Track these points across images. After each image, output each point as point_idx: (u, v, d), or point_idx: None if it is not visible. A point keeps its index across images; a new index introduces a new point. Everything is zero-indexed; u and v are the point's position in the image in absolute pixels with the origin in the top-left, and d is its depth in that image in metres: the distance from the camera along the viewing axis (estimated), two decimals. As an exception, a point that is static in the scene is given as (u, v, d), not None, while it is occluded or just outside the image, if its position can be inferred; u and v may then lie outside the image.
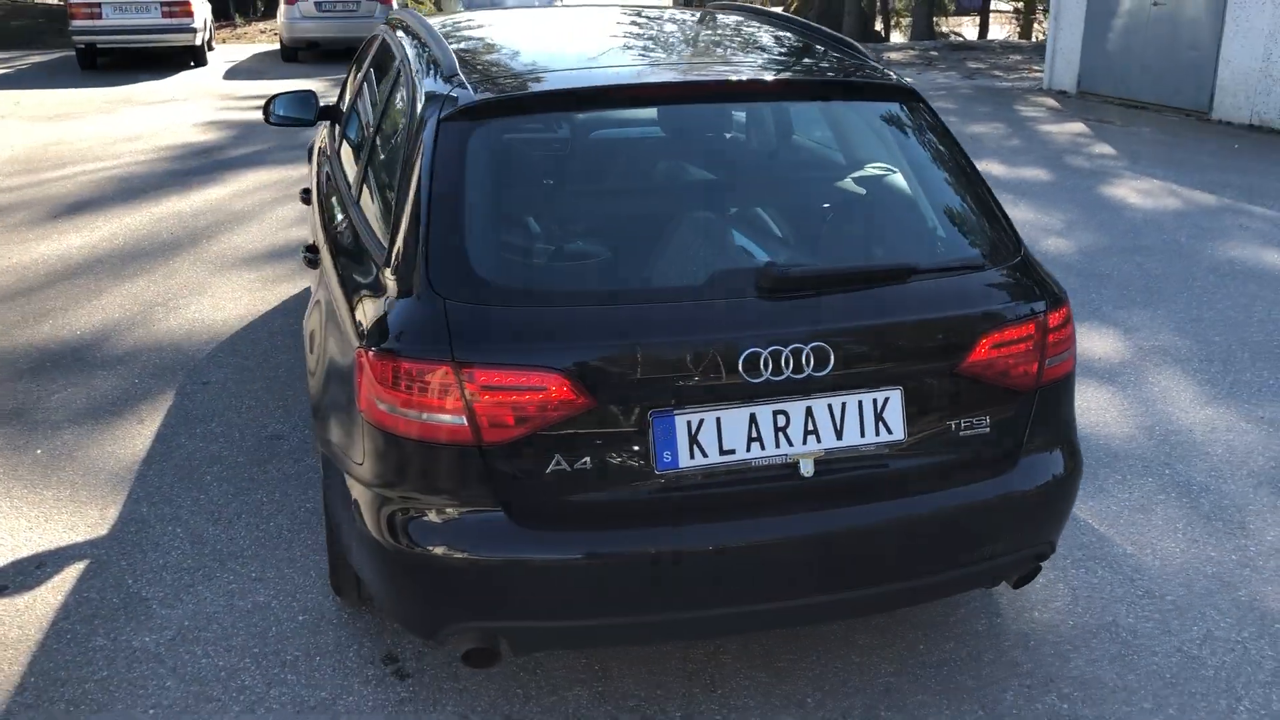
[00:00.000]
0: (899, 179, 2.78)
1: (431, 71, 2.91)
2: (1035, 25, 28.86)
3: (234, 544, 3.51)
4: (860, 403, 2.43)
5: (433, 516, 2.39)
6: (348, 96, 4.55)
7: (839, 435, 2.42)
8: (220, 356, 5.08)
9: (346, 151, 3.92)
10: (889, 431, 2.45)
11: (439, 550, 2.38)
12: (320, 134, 5.19)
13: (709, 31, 3.43)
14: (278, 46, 19.11)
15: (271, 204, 8.07)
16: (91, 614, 3.16)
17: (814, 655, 2.96)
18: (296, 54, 17.95)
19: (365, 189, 3.15)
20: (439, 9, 18.35)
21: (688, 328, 2.35)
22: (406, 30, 3.57)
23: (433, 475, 2.37)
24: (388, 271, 2.55)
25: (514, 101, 2.67)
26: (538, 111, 2.68)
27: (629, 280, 2.46)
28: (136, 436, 4.27)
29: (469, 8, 18.38)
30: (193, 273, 6.37)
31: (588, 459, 2.34)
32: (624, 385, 2.32)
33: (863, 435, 2.44)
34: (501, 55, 3.17)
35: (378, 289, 2.57)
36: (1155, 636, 3.05)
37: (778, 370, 2.35)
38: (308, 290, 5.66)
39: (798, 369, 2.36)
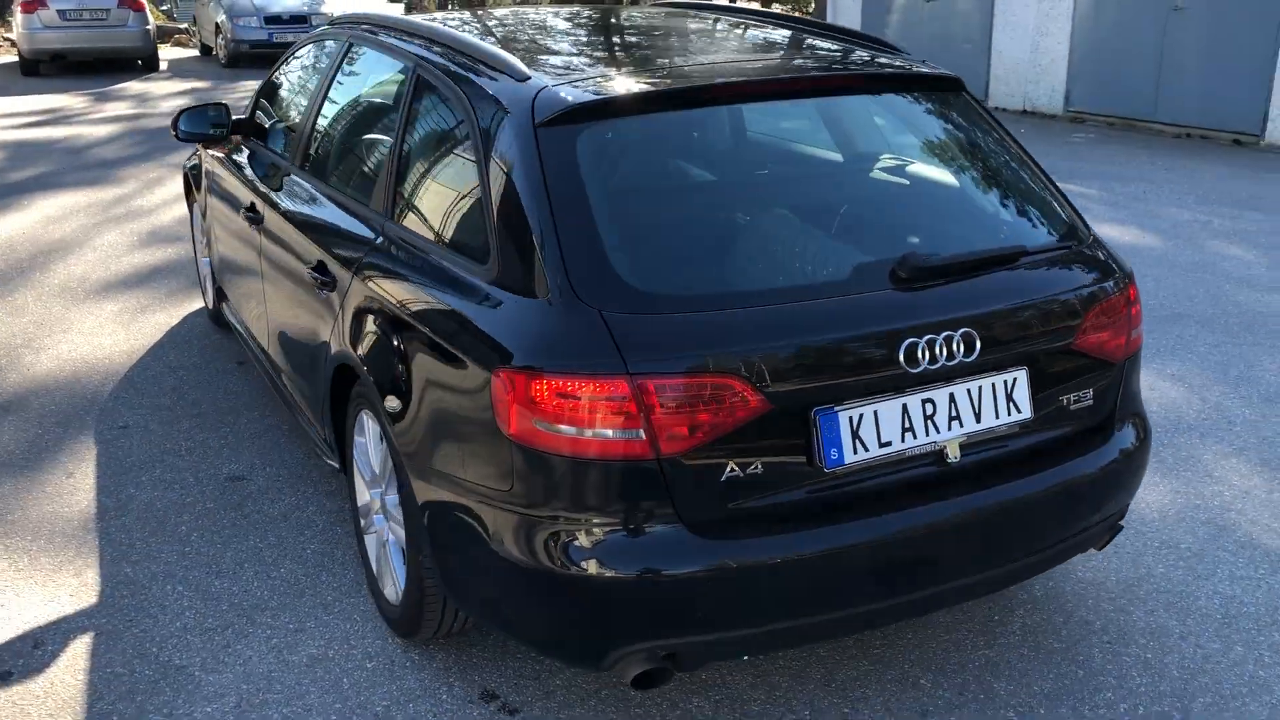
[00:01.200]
0: (971, 167, 2.86)
1: (489, 74, 2.76)
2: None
3: (250, 596, 3.22)
4: (994, 385, 2.49)
5: (604, 535, 2.28)
6: (284, 109, 4.25)
7: (978, 419, 2.48)
8: (126, 397, 4.65)
9: (308, 167, 3.66)
10: (1019, 411, 2.53)
11: (612, 570, 2.27)
12: (206, 154, 4.82)
13: (714, 30, 3.41)
14: (15, 59, 17.59)
15: (93, 230, 7.45)
16: (129, 690, 2.83)
17: (906, 638, 3.01)
18: (39, 67, 16.55)
19: (408, 204, 2.95)
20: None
21: (846, 322, 2.35)
22: (399, 33, 3.36)
23: (605, 493, 2.26)
24: (502, 287, 2.41)
25: (617, 102, 2.58)
26: (639, 112, 2.59)
27: (776, 279, 2.42)
28: (74, 491, 3.84)
29: (230, 14, 17.51)
30: (43, 308, 5.79)
31: (758, 463, 2.29)
32: (792, 385, 2.29)
33: (997, 417, 2.50)
34: (549, 56, 3.04)
35: (491, 306, 2.42)
36: (1190, 582, 3.28)
37: (933, 359, 2.38)
38: (194, 318, 5.25)
39: (949, 356, 2.40)
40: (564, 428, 2.24)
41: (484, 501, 2.41)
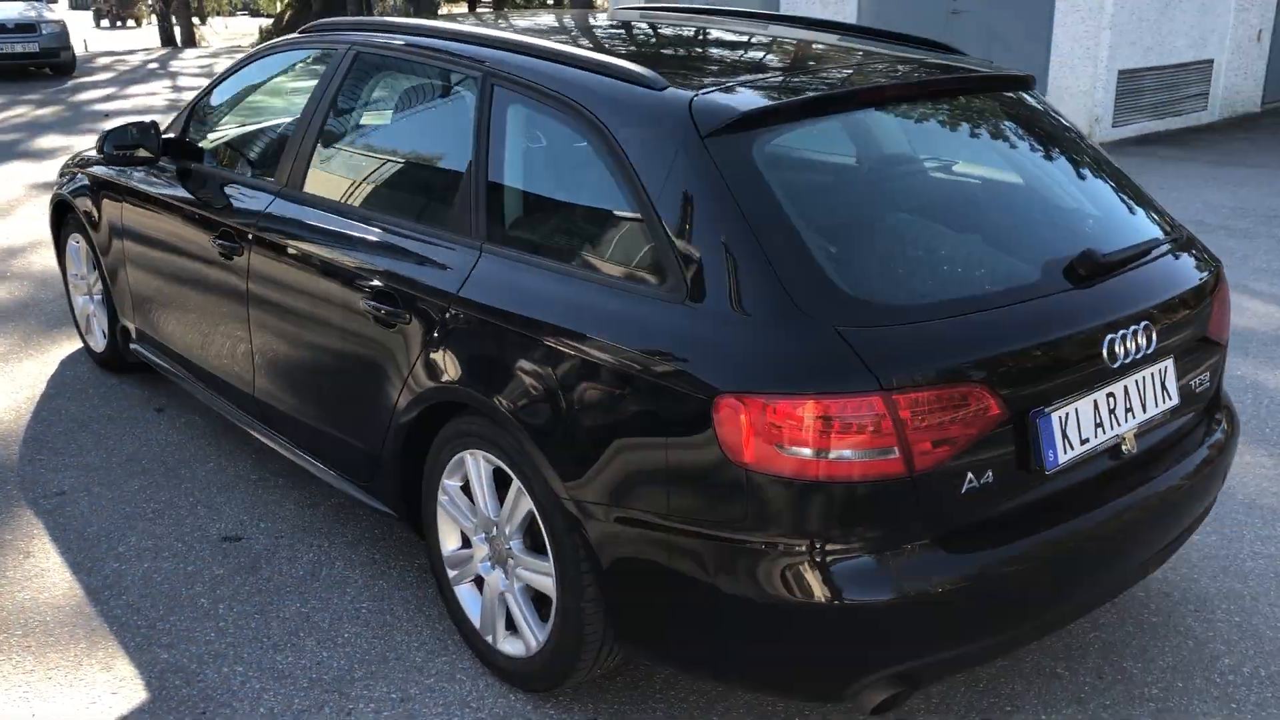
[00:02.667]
0: (1071, 164, 2.93)
1: (610, 83, 2.59)
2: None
3: (327, 667, 2.90)
4: (1155, 374, 2.57)
5: (853, 560, 2.19)
6: (249, 129, 3.84)
7: (1144, 408, 2.55)
8: (44, 460, 4.08)
9: (322, 186, 3.33)
10: (1170, 398, 2.62)
11: (864, 595, 2.18)
12: (112, 180, 4.31)
13: (791, 35, 3.32)
14: None
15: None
16: (250, 793, 2.48)
17: (1022, 629, 3.06)
18: None
19: (513, 226, 2.72)
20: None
21: (1062, 321, 2.35)
22: (443, 39, 3.09)
23: (855, 515, 2.16)
24: (700, 308, 2.27)
25: (780, 109, 2.47)
26: (798, 118, 2.49)
27: (980, 284, 2.38)
28: (43, 573, 3.34)
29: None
30: (-120, 364, 5.00)
31: (989, 471, 2.26)
32: (1019, 389, 2.27)
33: (1156, 405, 2.58)
34: (656, 62, 2.86)
35: (691, 329, 2.27)
36: (1226, 546, 3.50)
37: (1126, 353, 2.43)
38: (73, 364, 4.61)
39: (1138, 349, 2.46)
40: (809, 451, 2.13)
41: (701, 538, 2.26)
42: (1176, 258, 2.74)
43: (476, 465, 2.75)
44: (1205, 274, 2.76)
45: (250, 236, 3.44)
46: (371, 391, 3.02)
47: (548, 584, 2.61)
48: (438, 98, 3.18)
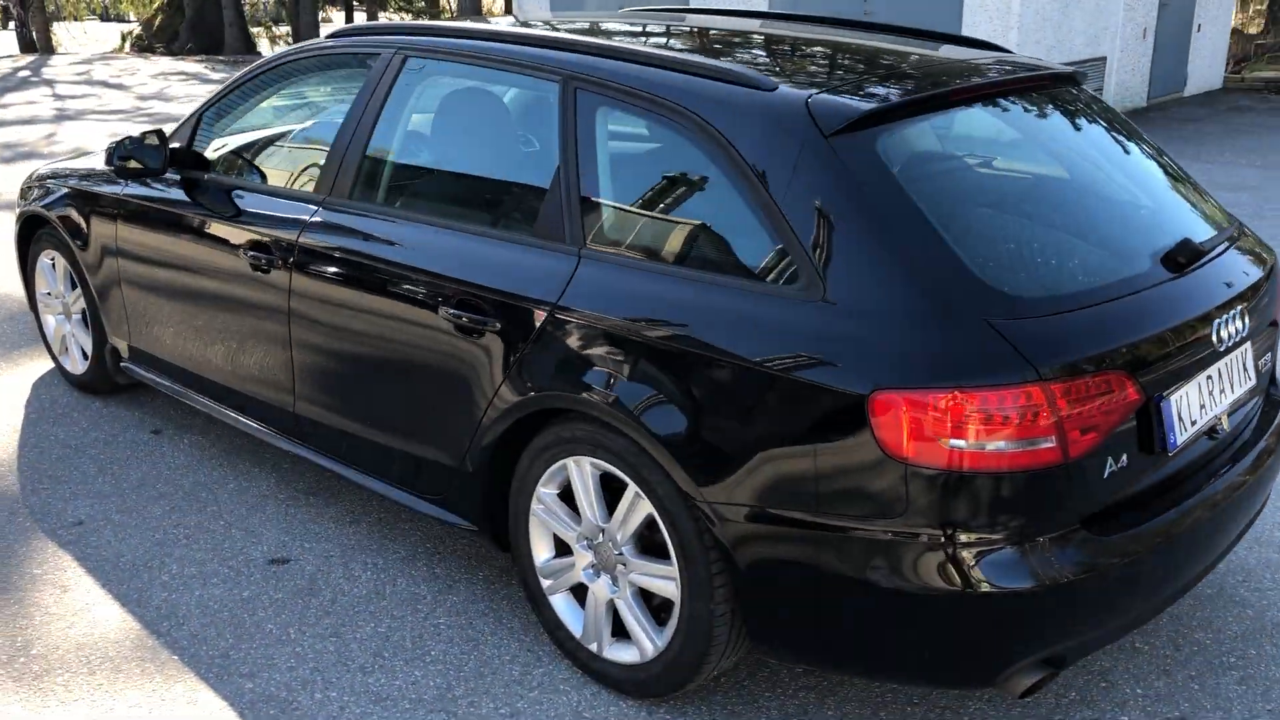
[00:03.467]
0: (1133, 156, 3.03)
1: (713, 86, 2.60)
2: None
3: (424, 687, 2.83)
4: (1239, 355, 2.69)
5: (1010, 548, 2.24)
6: (275, 138, 3.70)
7: (1233, 389, 2.67)
8: (48, 489, 3.89)
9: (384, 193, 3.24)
10: (1249, 378, 2.75)
11: (1021, 582, 2.23)
12: (104, 192, 4.13)
13: (852, 37, 3.35)
14: None
15: None
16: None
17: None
18: None
19: (614, 231, 2.70)
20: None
21: (1173, 309, 2.45)
22: (509, 45, 3.04)
23: (1013, 504, 2.21)
24: (841, 307, 2.29)
25: (897, 107, 2.51)
26: (912, 115, 2.53)
27: (1102, 273, 2.46)
28: (87, 607, 3.18)
29: None
30: None
31: (1125, 455, 2.34)
32: (1151, 375, 2.36)
33: (1242, 385, 2.70)
34: (753, 63, 2.86)
35: (837, 327, 2.29)
36: (1270, 513, 3.67)
37: (1229, 336, 2.55)
38: (45, 386, 4.32)
39: (1238, 331, 2.58)
40: (971, 443, 2.17)
41: (854, 533, 2.28)
42: (1245, 246, 2.87)
43: (581, 472, 2.72)
44: (1270, 260, 2.90)
45: (292, 248, 3.33)
46: (450, 402, 2.96)
47: (668, 588, 2.60)
48: (508, 103, 3.14)
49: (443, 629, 3.07)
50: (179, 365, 3.99)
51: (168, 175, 3.88)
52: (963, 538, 2.22)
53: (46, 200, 4.47)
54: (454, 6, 33.41)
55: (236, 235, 3.53)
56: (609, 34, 3.19)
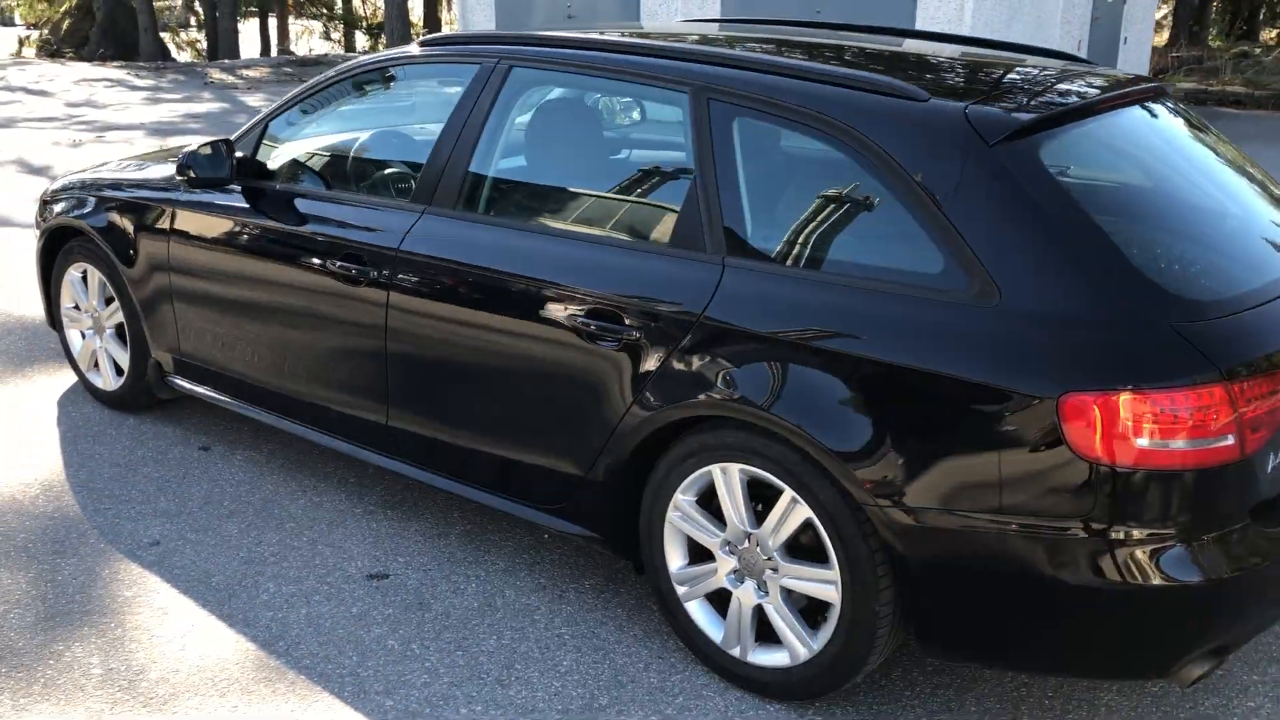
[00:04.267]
0: (1231, 161, 3.13)
1: (862, 96, 2.66)
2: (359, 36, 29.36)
3: (570, 697, 2.83)
4: None
5: (1192, 542, 2.33)
6: (361, 148, 3.64)
7: None
8: (110, 509, 3.78)
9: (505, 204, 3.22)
10: None
11: (1203, 574, 2.32)
12: (150, 204, 4.04)
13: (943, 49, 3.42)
14: None
15: None
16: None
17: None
18: None
19: (759, 239, 2.74)
20: None
21: None
22: (631, 56, 3.04)
23: (1196, 500, 2.30)
24: (1016, 310, 2.37)
25: (1053, 116, 2.60)
26: (1064, 124, 2.62)
27: (1251, 276, 2.54)
28: (193, 629, 3.11)
29: None
30: None
31: None
32: None
33: None
34: (894, 73, 2.90)
35: (1014, 331, 2.37)
36: None
37: None
38: (71, 404, 4.15)
39: None
40: (1158, 442, 2.26)
41: (1038, 533, 2.35)
42: None
43: (729, 479, 2.74)
44: None
45: (390, 259, 3.29)
46: (577, 412, 2.96)
47: (827, 591, 2.64)
48: (630, 112, 3.15)
49: (566, 639, 3.06)
50: (240, 378, 3.91)
51: (232, 185, 3.79)
52: (1142, 534, 2.30)
53: (80, 211, 4.34)
54: (371, 13, 33.05)
55: (320, 246, 3.48)
56: (730, 44, 3.22)
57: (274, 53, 29.05)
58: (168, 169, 4.22)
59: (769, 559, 2.74)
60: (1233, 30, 25.69)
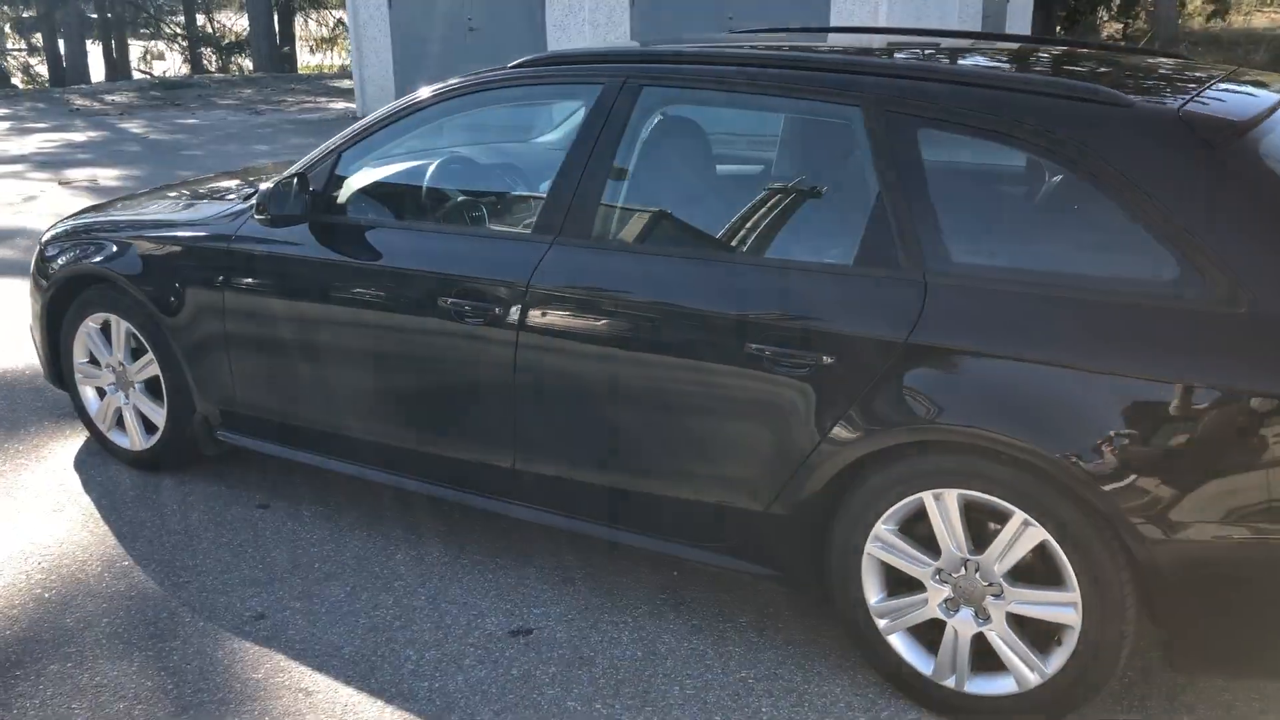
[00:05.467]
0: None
1: (1061, 104, 2.61)
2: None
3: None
4: None
5: None
6: (466, 176, 3.41)
7: None
8: (188, 580, 3.47)
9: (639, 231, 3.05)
10: None
11: None
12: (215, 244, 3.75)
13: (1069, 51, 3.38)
14: None
15: None
16: None
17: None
18: None
19: (964, 254, 2.65)
20: None
21: None
22: (787, 70, 2.91)
23: None
24: (1265, 315, 2.35)
25: (1253, 119, 2.58)
26: (1256, 126, 2.60)
27: None
28: (351, 709, 2.86)
29: None
30: None
31: None
32: None
33: None
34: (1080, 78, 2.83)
35: (1260, 336, 2.35)
36: None
37: None
38: (92, 467, 3.78)
39: None
40: None
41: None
42: None
43: (943, 504, 2.65)
44: None
45: (521, 293, 3.09)
46: (756, 446, 2.83)
47: (1064, 614, 2.57)
48: (786, 127, 3.03)
49: (751, 683, 2.92)
50: (314, 429, 3.63)
51: (304, 222, 3.52)
52: None
53: (100, 257, 3.98)
54: (225, 32, 31.84)
55: (421, 284, 3.25)
56: (889, 53, 3.12)
57: (134, 75, 27.70)
58: (208, 207, 3.91)
59: (989, 584, 2.65)
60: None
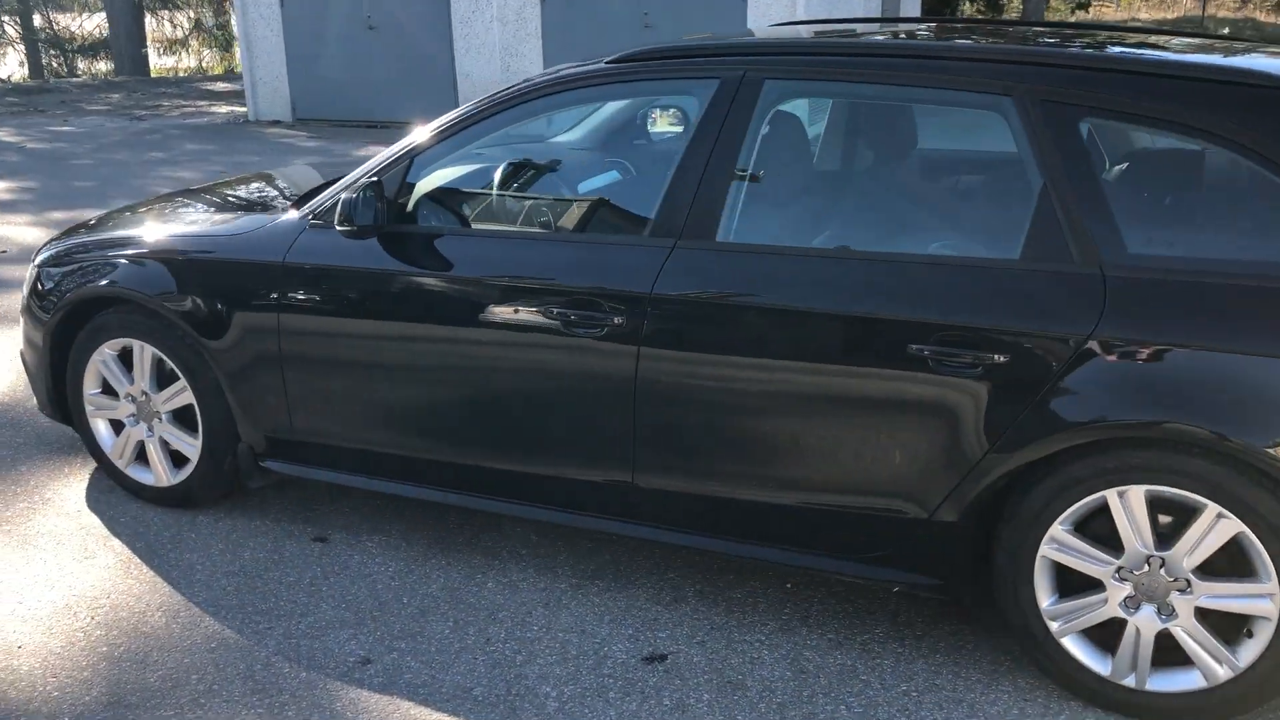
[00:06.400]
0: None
1: (1218, 86, 2.59)
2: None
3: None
4: None
5: None
6: (559, 178, 3.20)
7: None
8: (267, 624, 3.20)
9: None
10: None
11: None
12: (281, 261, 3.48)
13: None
14: None
15: None
16: None
17: None
18: None
19: (1149, 249, 2.60)
20: None
21: None
22: (878, 53, 2.81)
23: None
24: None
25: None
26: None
27: None
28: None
29: None
30: None
31: None
32: None
33: None
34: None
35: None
36: None
37: None
38: (112, 507, 3.45)
39: None
40: None
41: None
42: None
43: (1128, 501, 2.60)
44: None
45: (641, 301, 2.92)
46: (921, 451, 2.74)
47: (1259, 607, 2.54)
48: (919, 120, 2.92)
49: (915, 696, 2.82)
50: (388, 453, 3.39)
51: (374, 233, 3.28)
52: None
53: (119, 278, 3.63)
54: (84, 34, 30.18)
55: (519, 294, 3.05)
56: (1031, 40, 3.04)
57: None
58: (245, 219, 3.62)
59: (1174, 580, 2.61)
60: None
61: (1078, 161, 2.65)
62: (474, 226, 3.30)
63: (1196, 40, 3.31)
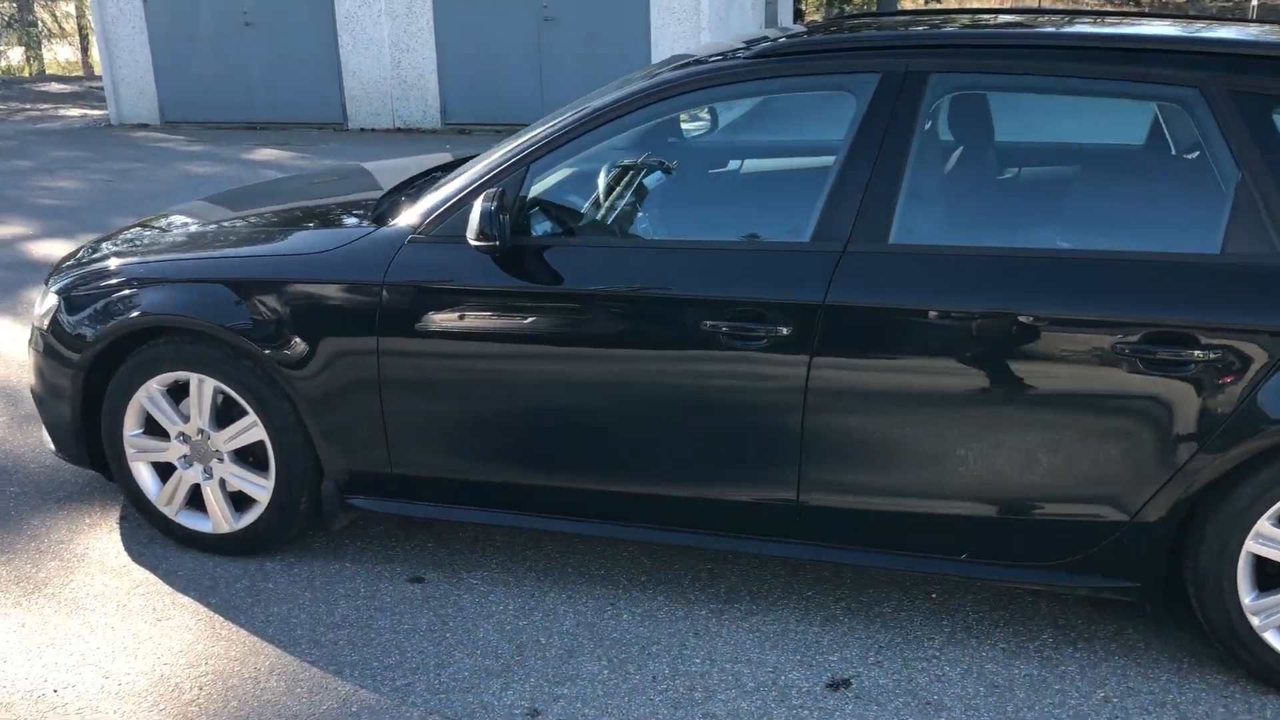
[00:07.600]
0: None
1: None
2: None
3: None
4: None
5: None
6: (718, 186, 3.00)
7: None
8: (403, 678, 2.93)
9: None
10: None
11: None
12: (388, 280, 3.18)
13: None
14: None
15: None
16: None
17: None
18: None
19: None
20: None
21: None
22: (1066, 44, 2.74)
23: None
24: None
25: None
26: None
27: None
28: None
29: None
30: None
31: None
32: None
33: None
34: None
35: None
36: None
37: None
38: (166, 561, 3.12)
39: None
40: None
41: None
42: None
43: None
44: None
45: (813, 310, 2.78)
46: (1124, 452, 2.68)
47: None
48: (1093, 112, 2.85)
49: (1115, 701, 2.78)
50: (516, 484, 3.15)
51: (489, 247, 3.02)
52: None
53: (170, 304, 3.26)
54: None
55: (677, 308, 2.87)
56: (1212, 30, 2.98)
57: None
58: (323, 233, 3.31)
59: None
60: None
61: (1275, 152, 2.62)
62: (605, 237, 3.07)
63: None
